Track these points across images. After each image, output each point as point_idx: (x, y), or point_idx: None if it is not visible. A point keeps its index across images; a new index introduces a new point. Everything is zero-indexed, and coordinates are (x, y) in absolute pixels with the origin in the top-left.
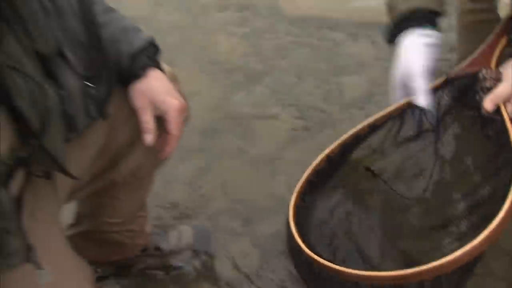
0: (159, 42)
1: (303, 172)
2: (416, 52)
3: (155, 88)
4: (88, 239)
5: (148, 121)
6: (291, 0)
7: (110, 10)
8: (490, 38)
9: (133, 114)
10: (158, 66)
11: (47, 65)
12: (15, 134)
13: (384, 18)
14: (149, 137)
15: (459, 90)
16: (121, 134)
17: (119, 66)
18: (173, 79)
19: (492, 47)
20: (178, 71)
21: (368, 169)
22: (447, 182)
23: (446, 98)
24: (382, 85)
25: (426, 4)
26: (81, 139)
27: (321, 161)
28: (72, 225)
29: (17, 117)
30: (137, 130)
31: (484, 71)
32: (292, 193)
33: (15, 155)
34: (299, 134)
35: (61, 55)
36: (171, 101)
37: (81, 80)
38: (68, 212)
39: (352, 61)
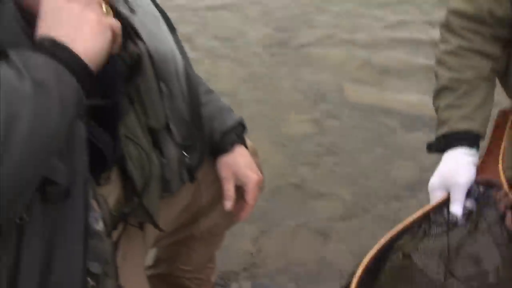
0: (239, 112)
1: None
2: (462, 168)
3: (239, 163)
4: (163, 281)
5: (229, 189)
6: (354, 89)
7: (209, 91)
8: (490, 141)
9: (216, 180)
10: (243, 143)
11: (155, 137)
12: (122, 192)
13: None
14: (229, 204)
15: (478, 199)
16: (204, 196)
17: (211, 140)
18: (254, 153)
19: (493, 151)
20: (251, 139)
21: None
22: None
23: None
24: (431, 173)
25: (477, 128)
26: (171, 197)
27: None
28: (150, 267)
29: (126, 178)
30: (218, 195)
31: (494, 193)
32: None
33: (120, 209)
34: (353, 211)
35: (167, 128)
36: (252, 176)
37: (179, 150)
38: (148, 255)
39: (405, 148)
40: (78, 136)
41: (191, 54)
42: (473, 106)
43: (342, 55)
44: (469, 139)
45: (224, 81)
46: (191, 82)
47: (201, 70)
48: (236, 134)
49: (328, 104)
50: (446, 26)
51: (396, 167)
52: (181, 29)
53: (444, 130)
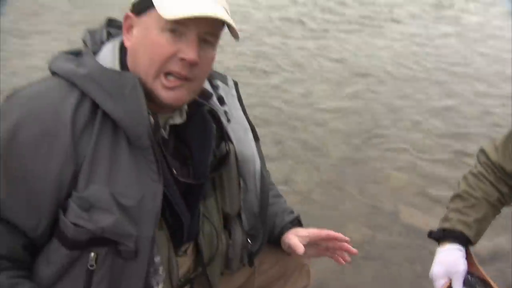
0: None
1: None
2: (460, 259)
3: (298, 230)
4: None
5: (297, 242)
6: (409, 212)
7: (278, 196)
8: None
9: (268, 270)
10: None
11: (227, 220)
12: (192, 262)
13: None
14: (300, 248)
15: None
16: (256, 281)
17: (272, 233)
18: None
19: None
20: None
21: None
22: None
23: None
24: None
25: (471, 235)
26: (230, 276)
27: None
28: None
29: (197, 251)
30: (267, 283)
31: (470, 278)
32: None
33: (187, 276)
34: None
35: (239, 216)
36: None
37: (245, 236)
38: None
39: None
40: (148, 211)
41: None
42: (474, 218)
43: (403, 179)
44: (462, 240)
45: (301, 183)
46: (264, 182)
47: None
48: (293, 225)
49: (382, 218)
50: (477, 156)
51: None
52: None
53: (446, 225)
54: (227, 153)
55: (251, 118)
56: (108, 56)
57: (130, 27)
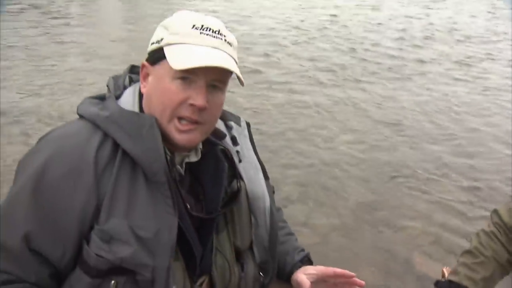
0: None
1: None
2: None
3: (308, 268)
4: None
5: (304, 279)
6: (424, 261)
7: (290, 234)
8: None
9: None
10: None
11: (239, 254)
12: None
13: None
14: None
15: None
16: None
17: (283, 271)
18: None
19: None
20: None
21: None
22: None
23: None
24: None
25: None
26: None
27: None
28: None
29: (211, 285)
30: None
31: None
32: None
33: None
34: None
35: (251, 249)
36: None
37: (257, 270)
38: None
39: None
40: (164, 243)
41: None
42: (482, 276)
43: (417, 228)
44: None
45: (320, 226)
46: (273, 218)
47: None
48: (302, 263)
49: (396, 264)
50: (490, 215)
51: None
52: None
53: (453, 277)
54: (238, 190)
55: (277, 161)
56: (129, 100)
57: (147, 75)
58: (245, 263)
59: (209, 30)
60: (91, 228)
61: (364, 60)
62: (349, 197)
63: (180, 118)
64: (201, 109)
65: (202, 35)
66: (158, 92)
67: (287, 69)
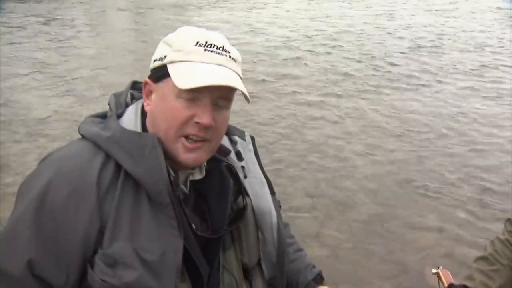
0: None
1: None
2: None
3: None
4: None
5: None
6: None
7: (299, 250)
8: None
9: None
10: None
11: (247, 271)
12: None
13: None
14: None
15: None
16: None
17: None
18: None
19: None
20: None
21: None
22: None
23: None
24: None
25: None
26: None
27: None
28: None
29: None
30: None
31: None
32: None
33: None
34: None
35: (259, 266)
36: None
37: (265, 286)
38: None
39: None
40: (170, 265)
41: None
42: (498, 284)
43: (429, 240)
44: None
45: (329, 241)
46: (280, 234)
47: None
48: (315, 282)
49: (408, 278)
50: (504, 225)
51: None
52: None
53: (469, 283)
54: (244, 207)
55: (286, 173)
56: (131, 119)
57: (150, 93)
58: (253, 280)
59: (213, 47)
60: (95, 251)
61: (376, 69)
62: (359, 209)
63: (186, 137)
64: (207, 127)
65: (206, 52)
66: (163, 110)
67: (298, 79)
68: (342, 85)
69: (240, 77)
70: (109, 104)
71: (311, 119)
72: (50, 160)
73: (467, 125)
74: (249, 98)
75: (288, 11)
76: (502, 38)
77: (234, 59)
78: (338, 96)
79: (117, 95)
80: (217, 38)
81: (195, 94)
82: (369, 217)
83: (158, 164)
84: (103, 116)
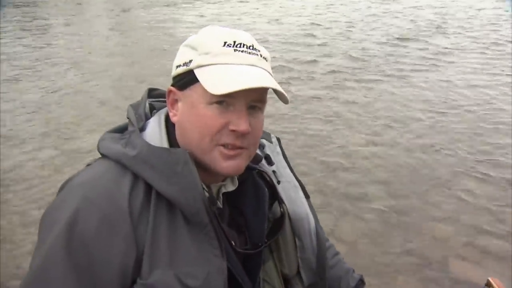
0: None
1: None
2: None
3: None
4: None
5: None
6: (461, 264)
7: (336, 254)
8: None
9: None
10: None
11: (287, 281)
12: None
13: None
14: None
15: None
16: None
17: None
18: None
19: None
20: None
21: None
22: None
23: None
24: None
25: None
26: None
27: None
28: None
29: None
30: None
31: None
32: None
33: None
34: None
35: (299, 274)
36: None
37: None
38: None
39: None
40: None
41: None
42: None
43: (448, 231)
44: None
45: (346, 233)
46: (320, 239)
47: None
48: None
49: (430, 270)
50: None
51: None
52: None
53: None
54: (282, 216)
55: (294, 169)
56: (155, 132)
57: (175, 102)
58: None
59: (243, 46)
60: (134, 281)
61: (390, 55)
62: (373, 203)
63: (223, 145)
64: (244, 134)
65: (236, 52)
66: (193, 120)
67: (303, 72)
68: (344, 74)
69: (272, 75)
70: (128, 118)
71: (314, 112)
72: (73, 187)
73: (484, 111)
74: (287, 98)
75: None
76: None
77: (265, 58)
78: (341, 86)
79: (135, 106)
80: (245, 37)
81: (228, 99)
82: (384, 210)
83: (193, 182)
84: (122, 130)
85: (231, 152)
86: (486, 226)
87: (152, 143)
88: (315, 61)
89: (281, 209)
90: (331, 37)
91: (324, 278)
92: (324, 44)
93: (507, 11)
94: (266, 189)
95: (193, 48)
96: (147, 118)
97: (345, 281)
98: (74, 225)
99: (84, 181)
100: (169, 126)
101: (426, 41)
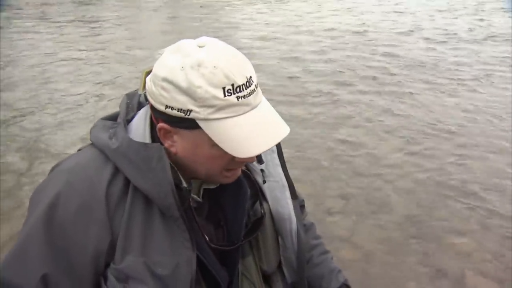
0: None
1: None
2: None
3: None
4: None
5: None
6: (476, 279)
7: (325, 252)
8: None
9: None
10: None
11: (267, 276)
12: None
13: None
14: None
15: None
16: None
17: None
18: None
19: None
20: None
21: None
22: None
23: None
24: None
25: None
26: None
27: None
28: None
29: None
30: None
31: None
32: None
33: None
34: None
35: (280, 270)
36: None
37: None
38: None
39: None
40: (183, 279)
41: None
42: None
43: (469, 244)
44: None
45: (364, 240)
46: (300, 241)
47: None
48: None
49: (446, 283)
50: None
51: None
52: None
53: None
54: (262, 216)
55: (318, 173)
56: (140, 126)
57: (168, 133)
58: (274, 286)
59: (243, 88)
60: (107, 265)
61: (409, 67)
62: (394, 210)
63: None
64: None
65: (240, 100)
66: (199, 158)
67: (324, 75)
68: (368, 80)
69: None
70: (119, 107)
71: (338, 117)
72: (60, 172)
73: (501, 121)
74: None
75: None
76: None
77: (256, 85)
78: (363, 92)
79: (130, 96)
80: (239, 72)
81: None
82: (404, 218)
83: (164, 177)
84: (116, 117)
85: (233, 171)
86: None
87: (135, 136)
88: None
89: (262, 210)
90: None
91: (303, 278)
92: None
93: None
94: (248, 188)
95: (186, 94)
96: (140, 108)
97: (327, 280)
98: (55, 208)
99: (69, 167)
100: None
101: None
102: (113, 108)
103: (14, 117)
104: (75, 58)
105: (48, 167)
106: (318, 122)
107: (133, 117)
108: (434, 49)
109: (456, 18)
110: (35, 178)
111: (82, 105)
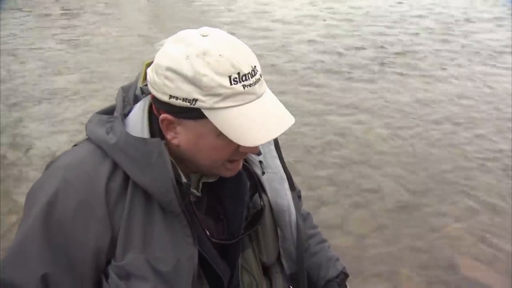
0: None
1: None
2: None
3: None
4: None
5: None
6: (469, 263)
7: (322, 241)
8: None
9: None
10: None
11: (267, 268)
12: None
13: None
14: None
15: None
16: None
17: (314, 285)
18: None
19: None
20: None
21: None
22: None
23: None
24: None
25: None
26: None
27: None
28: None
29: None
30: None
31: None
32: None
33: None
34: None
35: (279, 261)
36: None
37: (286, 283)
38: None
39: None
40: (185, 275)
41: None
42: None
43: (460, 229)
44: None
45: (358, 226)
46: (300, 232)
47: None
48: (338, 282)
49: (438, 267)
50: None
51: None
52: None
53: None
54: (262, 209)
55: (309, 161)
56: (137, 120)
57: (171, 124)
58: (273, 277)
59: (248, 76)
60: (108, 262)
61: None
62: (385, 197)
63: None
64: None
65: (246, 89)
66: (204, 149)
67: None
68: (361, 68)
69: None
70: (116, 101)
71: (328, 103)
72: (56, 168)
73: (490, 105)
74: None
75: None
76: None
77: (260, 75)
78: (354, 79)
79: (125, 89)
80: (244, 61)
81: None
82: (396, 205)
83: (165, 173)
84: (111, 111)
85: (235, 163)
86: (500, 227)
87: (133, 131)
88: None
89: (261, 203)
90: None
91: (303, 269)
92: None
93: None
94: (248, 181)
95: (192, 83)
96: (136, 101)
97: (325, 269)
98: (53, 206)
99: (66, 163)
100: (152, 114)
101: None
102: None
103: None
104: None
105: None
106: None
107: (129, 111)
108: None
109: None
110: None
111: None
